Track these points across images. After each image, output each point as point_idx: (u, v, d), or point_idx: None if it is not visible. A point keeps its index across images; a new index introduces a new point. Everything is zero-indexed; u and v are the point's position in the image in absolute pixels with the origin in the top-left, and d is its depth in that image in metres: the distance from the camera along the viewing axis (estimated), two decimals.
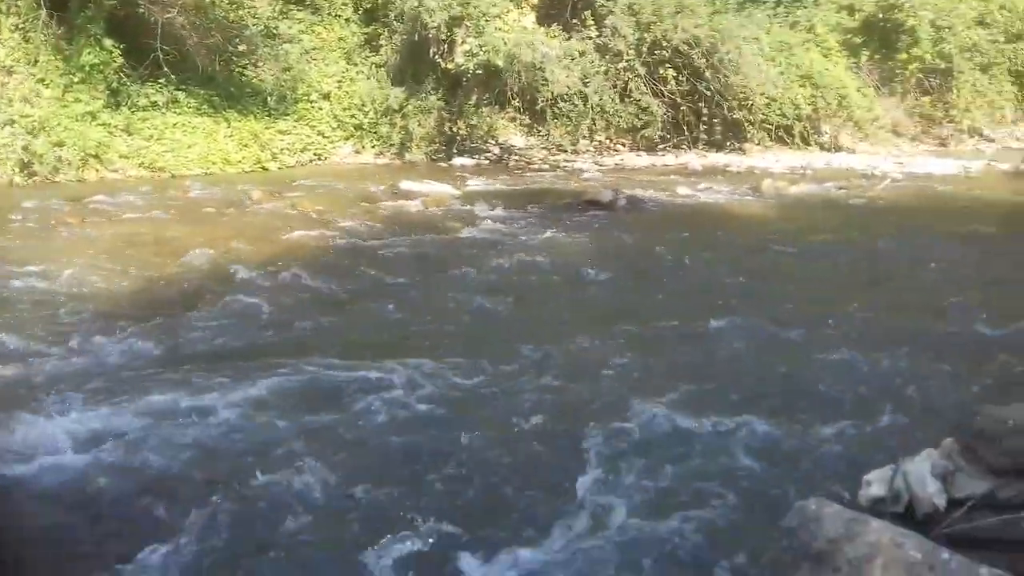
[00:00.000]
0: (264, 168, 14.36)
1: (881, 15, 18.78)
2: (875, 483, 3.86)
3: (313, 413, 4.88)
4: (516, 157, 16.49)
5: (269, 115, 15.02)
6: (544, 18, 17.22)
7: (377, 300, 7.20)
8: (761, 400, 5.06)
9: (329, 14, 17.08)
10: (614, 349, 5.95)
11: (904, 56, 18.48)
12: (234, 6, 14.85)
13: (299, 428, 4.69)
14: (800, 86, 16.84)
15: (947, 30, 18.53)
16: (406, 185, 12.67)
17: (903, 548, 2.58)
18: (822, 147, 17.04)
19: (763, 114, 16.26)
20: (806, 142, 16.86)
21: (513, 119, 17.13)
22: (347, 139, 15.97)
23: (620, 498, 4.03)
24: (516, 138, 17.22)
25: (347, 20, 17.22)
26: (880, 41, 18.93)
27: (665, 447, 4.51)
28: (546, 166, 15.83)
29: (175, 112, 14.13)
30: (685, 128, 16.72)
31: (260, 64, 15.37)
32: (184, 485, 4.12)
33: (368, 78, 16.41)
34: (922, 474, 3.73)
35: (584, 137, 16.77)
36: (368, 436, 4.67)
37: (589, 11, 16.27)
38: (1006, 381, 5.36)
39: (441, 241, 9.43)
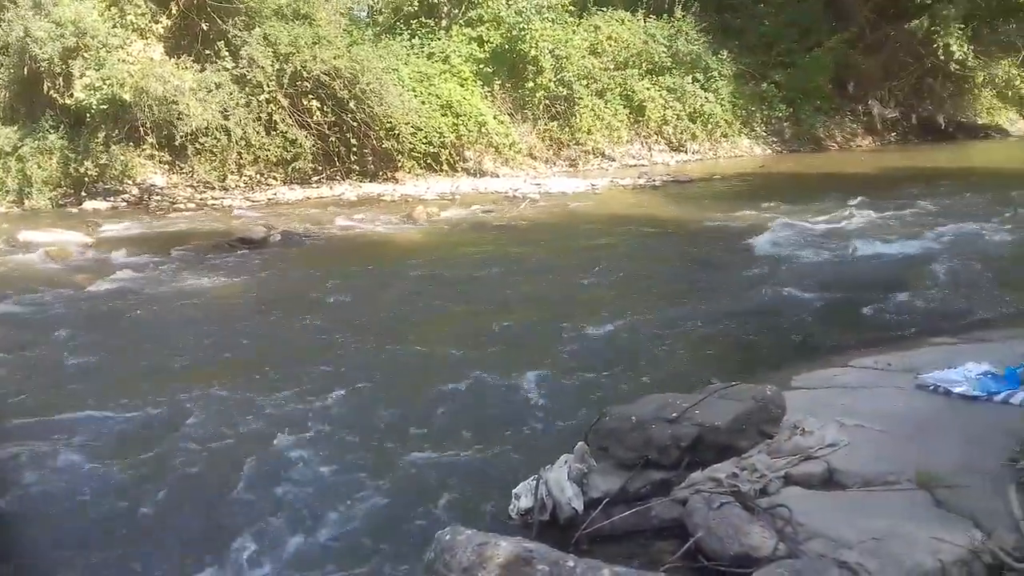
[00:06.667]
0: None
1: (507, 46, 20.11)
2: (523, 495, 4.00)
3: None
4: (158, 197, 15.34)
5: None
6: (174, 49, 16.25)
7: None
8: (394, 430, 5.05)
9: None
10: (257, 391, 5.68)
11: (531, 84, 19.93)
12: None
13: None
14: (442, 115, 17.55)
15: (565, 60, 20.31)
16: (26, 235, 11.37)
17: (532, 564, 2.65)
18: (468, 172, 17.88)
19: (411, 143, 16.71)
20: (453, 168, 17.63)
21: (151, 156, 15.87)
22: None
23: (260, 557, 3.80)
24: (157, 177, 15.97)
25: None
26: (509, 71, 20.26)
27: (309, 494, 4.34)
28: (193, 205, 14.95)
29: None
30: (337, 159, 16.70)
31: None
32: None
33: None
34: (560, 480, 3.92)
35: (232, 172, 16.07)
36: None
37: (222, 42, 15.64)
38: (631, 378, 5.87)
39: (65, 297, 8.42)
